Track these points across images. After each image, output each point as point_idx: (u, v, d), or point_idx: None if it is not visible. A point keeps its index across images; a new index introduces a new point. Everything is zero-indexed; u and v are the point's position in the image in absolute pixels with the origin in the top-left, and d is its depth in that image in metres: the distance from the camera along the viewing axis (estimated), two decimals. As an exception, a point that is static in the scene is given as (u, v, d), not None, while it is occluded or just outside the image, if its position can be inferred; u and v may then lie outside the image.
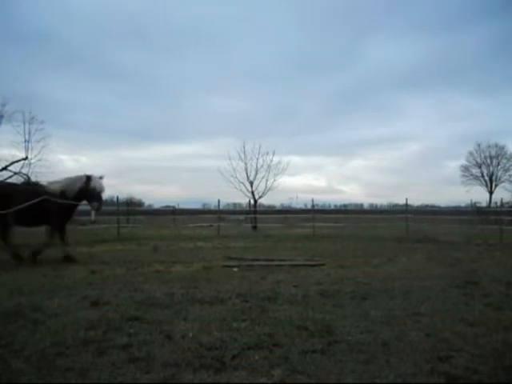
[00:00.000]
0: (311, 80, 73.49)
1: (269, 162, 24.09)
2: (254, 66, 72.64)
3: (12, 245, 9.22)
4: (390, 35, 71.30)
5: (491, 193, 47.69)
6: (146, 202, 42.16)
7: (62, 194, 9.26)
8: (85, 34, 59.18)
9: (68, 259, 8.95)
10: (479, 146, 47.85)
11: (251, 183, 24.02)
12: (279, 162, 24.49)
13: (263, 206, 31.59)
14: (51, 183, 9.66)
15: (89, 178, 9.37)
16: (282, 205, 34.63)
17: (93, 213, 19.92)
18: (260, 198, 24.52)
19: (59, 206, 9.06)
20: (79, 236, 12.87)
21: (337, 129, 77.39)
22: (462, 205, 32.41)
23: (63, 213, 9.28)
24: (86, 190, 9.30)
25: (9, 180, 28.78)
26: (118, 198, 23.33)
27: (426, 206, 40.17)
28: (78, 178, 9.48)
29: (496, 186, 48.14)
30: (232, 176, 23.85)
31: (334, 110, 75.20)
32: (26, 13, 51.02)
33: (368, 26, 69.91)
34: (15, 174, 28.42)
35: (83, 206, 10.04)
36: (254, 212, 23.77)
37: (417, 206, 31.07)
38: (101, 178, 9.61)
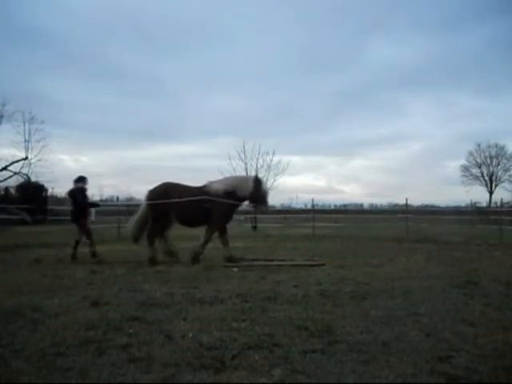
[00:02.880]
0: (312, 79, 73.62)
1: (269, 161, 24.18)
2: (254, 65, 72.82)
3: (154, 247, 8.89)
4: (391, 35, 71.54)
5: (491, 193, 47.83)
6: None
7: (228, 193, 8.70)
8: (85, 34, 59.28)
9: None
10: (479, 146, 48.04)
11: (251, 183, 24.01)
12: (279, 162, 24.58)
13: (263, 205, 31.51)
14: (212, 182, 9.03)
15: (259, 181, 8.93)
16: (282, 205, 34.51)
17: (93, 213, 19.92)
18: (260, 197, 24.50)
19: (220, 206, 8.57)
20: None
21: (337, 128, 77.56)
22: (462, 205, 32.38)
23: (225, 213, 8.79)
24: (257, 192, 8.78)
25: (9, 180, 28.73)
26: (118, 198, 23.40)
27: (426, 206, 40.19)
28: (247, 179, 9.07)
29: (496, 185, 48.30)
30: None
31: (334, 109, 75.30)
32: (26, 12, 51.14)
33: (369, 26, 70.10)
34: (15, 173, 28.35)
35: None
36: (254, 212, 23.75)
37: (417, 206, 31.07)
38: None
